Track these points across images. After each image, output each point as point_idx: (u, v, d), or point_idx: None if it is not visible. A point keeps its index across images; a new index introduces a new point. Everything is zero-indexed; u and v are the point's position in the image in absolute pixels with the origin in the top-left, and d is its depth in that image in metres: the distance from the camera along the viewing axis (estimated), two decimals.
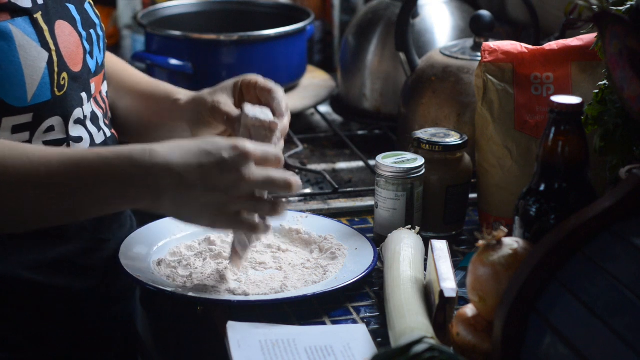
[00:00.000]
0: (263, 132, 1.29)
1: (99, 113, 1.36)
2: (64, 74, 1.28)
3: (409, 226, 1.38)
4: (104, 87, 1.40)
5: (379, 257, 1.35)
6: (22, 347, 1.30)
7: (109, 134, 1.39)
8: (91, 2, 1.39)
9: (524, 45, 1.43)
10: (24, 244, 1.27)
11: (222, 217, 1.19)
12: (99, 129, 1.36)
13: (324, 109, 2.03)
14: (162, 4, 2.16)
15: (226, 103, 1.36)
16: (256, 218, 1.21)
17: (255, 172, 1.18)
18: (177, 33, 1.94)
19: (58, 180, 1.16)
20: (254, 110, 1.30)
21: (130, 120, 1.49)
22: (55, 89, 1.26)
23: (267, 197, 1.22)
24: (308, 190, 1.63)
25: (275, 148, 1.26)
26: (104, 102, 1.39)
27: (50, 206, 1.17)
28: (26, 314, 1.30)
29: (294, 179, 1.20)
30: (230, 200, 1.18)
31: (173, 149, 1.17)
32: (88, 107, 1.33)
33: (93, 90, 1.35)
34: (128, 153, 1.17)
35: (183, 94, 1.43)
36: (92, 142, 1.34)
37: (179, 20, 2.12)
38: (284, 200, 1.27)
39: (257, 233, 1.24)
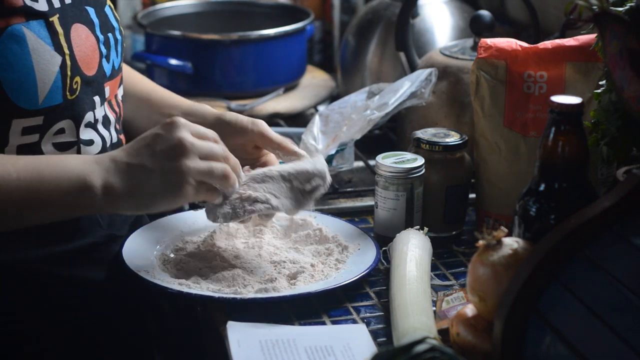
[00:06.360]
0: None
1: (112, 117, 1.36)
2: (77, 78, 1.28)
3: (418, 227, 1.38)
4: (120, 92, 1.40)
5: (382, 258, 1.35)
6: (29, 338, 1.29)
7: (115, 139, 1.38)
8: (111, 5, 1.39)
9: (519, 43, 1.42)
10: (35, 237, 1.27)
11: (182, 189, 1.19)
12: (110, 133, 1.36)
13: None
14: (162, 4, 2.16)
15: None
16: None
17: (195, 139, 1.20)
18: (177, 33, 1.94)
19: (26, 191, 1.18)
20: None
21: None
22: (67, 93, 1.26)
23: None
24: None
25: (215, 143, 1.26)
26: (119, 106, 1.39)
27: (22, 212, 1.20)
28: (34, 303, 1.29)
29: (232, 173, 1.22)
30: (181, 168, 1.19)
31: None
32: (100, 111, 1.33)
33: (107, 94, 1.35)
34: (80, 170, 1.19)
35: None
36: (104, 145, 1.34)
37: (179, 20, 2.12)
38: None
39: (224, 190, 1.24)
